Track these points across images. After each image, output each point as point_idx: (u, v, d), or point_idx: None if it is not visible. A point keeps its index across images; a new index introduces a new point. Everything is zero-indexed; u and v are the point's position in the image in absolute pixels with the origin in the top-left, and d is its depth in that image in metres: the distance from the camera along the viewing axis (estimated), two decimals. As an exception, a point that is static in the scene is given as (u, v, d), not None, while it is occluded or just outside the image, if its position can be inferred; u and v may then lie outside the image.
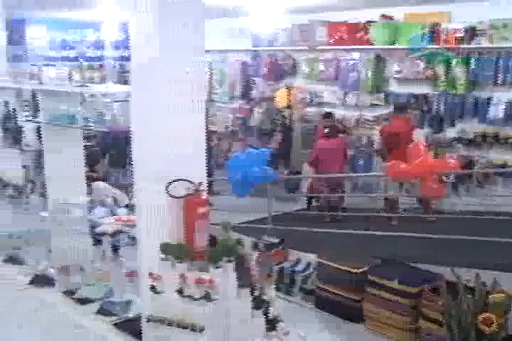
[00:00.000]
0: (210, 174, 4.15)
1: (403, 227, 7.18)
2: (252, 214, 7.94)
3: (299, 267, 6.33)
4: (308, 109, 10.28)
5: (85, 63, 10.89)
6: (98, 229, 4.66)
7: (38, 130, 5.66)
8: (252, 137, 10.82)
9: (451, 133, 8.82)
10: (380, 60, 9.34)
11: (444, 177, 6.74)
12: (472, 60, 8.38)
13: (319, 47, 9.90)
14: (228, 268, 3.46)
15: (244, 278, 3.53)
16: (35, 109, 5.67)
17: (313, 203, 8.93)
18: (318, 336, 5.36)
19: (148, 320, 3.45)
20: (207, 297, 3.34)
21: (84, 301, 4.98)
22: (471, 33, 8.33)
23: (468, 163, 8.49)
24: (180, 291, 3.40)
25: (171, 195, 3.61)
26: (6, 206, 6.05)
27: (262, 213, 7.61)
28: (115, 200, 5.15)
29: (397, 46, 9.02)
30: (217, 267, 3.44)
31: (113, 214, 4.94)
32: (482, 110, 8.48)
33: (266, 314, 3.68)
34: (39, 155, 6.43)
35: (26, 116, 5.70)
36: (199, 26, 3.68)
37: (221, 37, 10.25)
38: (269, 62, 10.66)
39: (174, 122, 3.67)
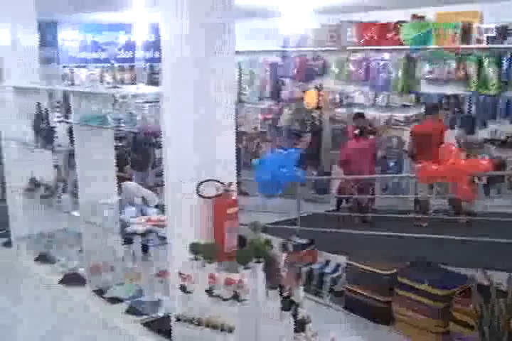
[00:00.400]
0: (238, 174, 4.16)
1: (434, 229, 7.10)
2: (281, 215, 7.93)
3: (328, 268, 6.31)
4: (338, 110, 10.24)
5: (116, 65, 11.05)
6: (128, 229, 4.69)
7: (70, 131, 5.73)
8: (281, 138, 10.81)
9: (482, 134, 8.71)
10: (410, 60, 9.27)
11: (475, 179, 6.66)
12: (504, 60, 8.27)
13: (349, 48, 9.86)
14: (257, 269, 3.46)
15: (273, 279, 3.52)
16: (67, 110, 5.74)
17: (343, 204, 8.89)
18: (347, 338, 5.33)
19: (178, 320, 3.46)
20: (236, 297, 3.34)
21: (114, 300, 5.02)
22: (503, 32, 8.22)
23: (500, 165, 8.37)
24: (209, 291, 3.41)
25: (200, 195, 3.63)
26: (37, 205, 6.14)
27: (291, 214, 7.60)
28: (144, 200, 5.19)
29: (428, 46, 8.94)
30: (246, 268, 3.45)
31: (143, 214, 4.97)
32: (515, 111, 8.36)
33: (295, 315, 3.67)
34: (70, 155, 6.51)
35: (58, 117, 5.77)
36: (229, 27, 3.70)
37: (250, 38, 10.27)
38: (299, 63, 10.64)
39: (204, 123, 3.68)
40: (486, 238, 6.12)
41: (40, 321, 4.96)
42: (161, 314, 4.66)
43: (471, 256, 6.01)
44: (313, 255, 6.42)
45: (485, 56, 8.39)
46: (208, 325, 3.32)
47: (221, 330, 3.29)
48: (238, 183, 4.10)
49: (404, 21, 9.18)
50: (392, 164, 9.47)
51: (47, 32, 9.62)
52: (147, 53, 10.80)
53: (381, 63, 9.56)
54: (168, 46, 3.71)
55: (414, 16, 9.08)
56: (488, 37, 8.32)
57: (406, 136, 9.11)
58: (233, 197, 3.67)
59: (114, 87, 5.05)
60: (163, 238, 4.29)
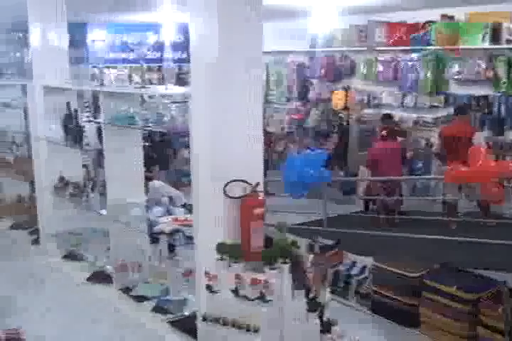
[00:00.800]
0: (265, 175, 4.16)
1: (462, 232, 7.02)
2: (308, 215, 7.91)
3: (355, 270, 6.25)
4: (366, 111, 10.18)
5: (145, 65, 11.13)
6: (155, 228, 4.72)
7: (99, 130, 5.79)
8: (308, 138, 10.78)
9: (512, 135, 8.60)
10: (439, 61, 9.18)
11: (504, 181, 6.56)
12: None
13: (378, 48, 9.80)
14: (284, 270, 3.46)
15: (299, 280, 3.52)
16: (96, 110, 5.80)
17: (371, 206, 8.84)
18: (372, 340, 5.30)
19: (204, 319, 3.47)
20: (262, 298, 3.34)
21: (140, 299, 5.07)
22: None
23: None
24: (235, 291, 3.42)
25: (227, 196, 3.64)
26: (66, 204, 6.21)
27: (317, 215, 7.57)
28: (171, 200, 5.22)
29: (457, 46, 8.84)
30: (272, 268, 3.44)
31: (169, 213, 5.00)
32: (545, 112, 8.23)
33: (321, 316, 3.66)
34: (99, 154, 6.57)
35: (87, 116, 5.84)
36: (258, 28, 3.70)
37: (278, 38, 10.26)
38: (327, 63, 10.60)
39: (232, 123, 3.70)
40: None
41: (67, 318, 5.01)
42: (186, 313, 4.70)
43: (500, 260, 5.93)
44: (340, 256, 6.38)
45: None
46: (233, 325, 3.33)
47: (247, 330, 3.29)
48: (265, 183, 4.12)
49: (433, 21, 9.10)
50: (419, 165, 9.39)
51: (76, 32, 9.72)
52: (175, 54, 10.86)
53: (410, 63, 9.49)
54: (197, 46, 3.73)
55: (443, 16, 9.00)
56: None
57: (434, 137, 9.03)
58: (260, 198, 3.67)
59: (143, 88, 5.09)
60: (190, 237, 4.31)
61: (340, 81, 10.63)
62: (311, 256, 3.76)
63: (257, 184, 3.67)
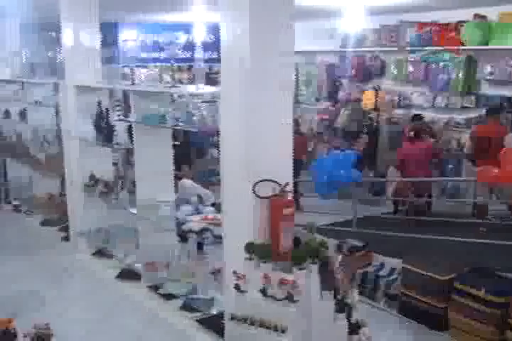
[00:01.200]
0: (295, 175, 4.15)
1: (492, 234, 6.93)
2: (336, 216, 7.88)
3: (383, 272, 6.22)
4: (396, 111, 10.10)
5: (175, 64, 11.22)
6: (184, 227, 4.75)
7: (129, 129, 5.83)
8: (337, 138, 10.74)
9: (545, 137, 8.45)
10: (472, 61, 9.07)
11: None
12: None
13: (408, 48, 9.72)
14: (312, 270, 3.45)
15: (327, 281, 3.50)
16: (127, 109, 5.85)
17: (400, 207, 8.76)
18: (400, 342, 5.28)
19: (232, 318, 3.48)
20: (289, 298, 3.34)
21: (168, 297, 5.10)
22: None
23: None
24: (263, 291, 3.42)
25: (257, 195, 3.64)
26: (96, 201, 6.27)
27: (345, 215, 7.54)
28: (200, 198, 5.24)
29: (490, 47, 8.72)
30: (300, 268, 3.44)
31: (198, 212, 5.02)
32: None
33: (349, 318, 3.65)
34: (129, 153, 6.63)
35: (118, 115, 5.89)
36: (289, 28, 3.70)
37: (308, 38, 10.23)
38: (357, 64, 10.55)
39: (262, 123, 3.69)
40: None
41: (96, 314, 5.07)
42: (214, 312, 4.71)
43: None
44: (369, 257, 6.35)
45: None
46: (261, 325, 3.33)
47: (274, 330, 3.29)
48: (295, 184, 4.11)
49: (465, 21, 8.99)
50: (450, 167, 9.28)
51: (108, 32, 9.82)
52: (206, 54, 10.91)
53: (441, 64, 9.39)
54: (228, 46, 3.74)
55: (476, 16, 8.88)
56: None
57: (465, 138, 8.92)
58: (289, 198, 3.67)
59: (173, 87, 5.12)
60: (218, 236, 4.32)
61: (370, 81, 10.57)
62: (340, 256, 3.75)
63: (287, 184, 3.66)
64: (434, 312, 5.51)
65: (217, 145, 5.00)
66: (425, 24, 9.49)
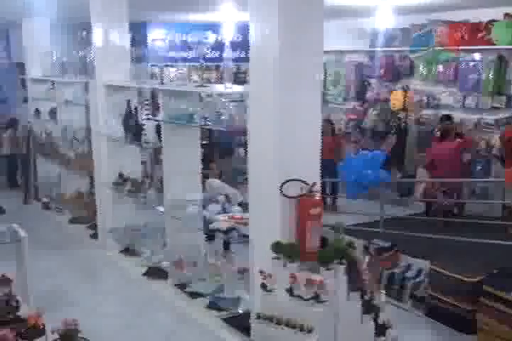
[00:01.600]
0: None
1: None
2: (364, 216, 7.85)
3: (410, 273, 6.17)
4: (425, 111, 10.01)
5: (204, 64, 11.23)
6: (211, 226, 4.76)
7: (157, 128, 5.87)
8: (365, 139, 10.68)
9: None
10: (502, 61, 8.95)
11: None
12: None
13: (438, 48, 9.62)
14: (339, 271, 3.44)
15: (354, 282, 3.49)
16: (155, 108, 5.88)
17: (433, 208, 8.69)
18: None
19: (258, 318, 3.48)
20: (316, 298, 3.33)
21: (195, 295, 5.13)
22: None
23: None
24: (290, 291, 3.42)
25: (284, 195, 3.64)
26: (124, 200, 6.33)
27: (373, 216, 7.51)
28: (228, 198, 5.25)
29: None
30: (328, 268, 3.43)
31: (225, 211, 5.03)
32: None
33: (375, 319, 3.62)
34: (157, 152, 6.67)
35: (147, 114, 5.93)
36: (318, 27, 3.69)
37: (336, 37, 10.19)
38: (386, 63, 10.48)
39: (290, 122, 3.69)
40: None
41: (123, 312, 5.11)
42: (240, 311, 4.72)
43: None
44: (396, 258, 6.30)
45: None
46: (287, 325, 3.32)
47: (300, 330, 3.28)
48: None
49: (496, 20, 8.88)
50: (479, 168, 9.18)
51: (137, 32, 9.88)
52: (234, 53, 10.91)
53: (471, 64, 9.28)
54: (257, 46, 3.74)
55: (506, 15, 8.76)
56: None
57: (495, 138, 8.81)
58: (317, 198, 3.66)
59: (202, 86, 5.13)
60: (245, 236, 4.33)
61: (399, 81, 10.48)
62: (367, 257, 3.73)
63: (314, 184, 3.66)
64: (461, 315, 5.45)
65: (243, 145, 5.00)
66: (455, 24, 9.40)
